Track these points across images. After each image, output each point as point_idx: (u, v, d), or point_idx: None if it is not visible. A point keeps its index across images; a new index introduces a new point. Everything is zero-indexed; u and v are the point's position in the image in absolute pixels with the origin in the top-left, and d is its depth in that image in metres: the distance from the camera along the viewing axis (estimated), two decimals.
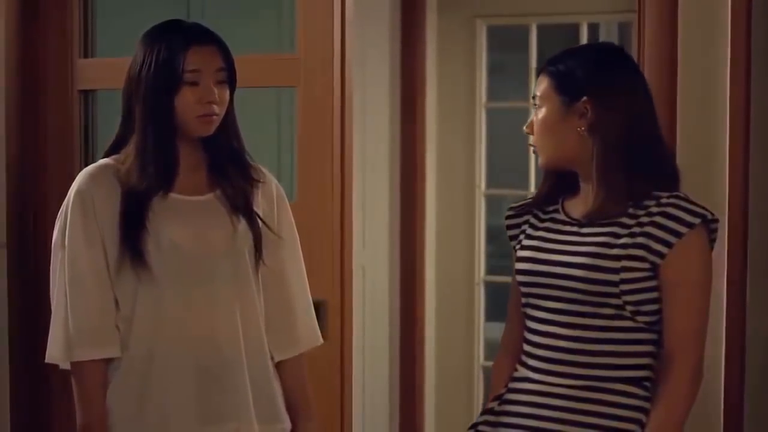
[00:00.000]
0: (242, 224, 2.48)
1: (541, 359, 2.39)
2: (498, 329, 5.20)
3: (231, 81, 2.50)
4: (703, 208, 2.35)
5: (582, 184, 2.44)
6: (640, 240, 2.31)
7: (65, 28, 3.34)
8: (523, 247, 2.47)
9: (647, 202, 2.34)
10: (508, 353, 2.54)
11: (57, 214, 3.34)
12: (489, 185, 5.27)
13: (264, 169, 2.61)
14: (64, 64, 3.34)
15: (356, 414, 3.58)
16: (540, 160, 2.46)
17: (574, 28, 5.24)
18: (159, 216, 2.42)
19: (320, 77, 3.06)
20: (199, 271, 2.44)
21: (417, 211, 4.89)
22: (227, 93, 2.49)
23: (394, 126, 4.82)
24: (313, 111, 3.07)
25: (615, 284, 2.30)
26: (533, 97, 2.46)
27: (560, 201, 2.48)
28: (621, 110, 2.37)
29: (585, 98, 2.37)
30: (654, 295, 2.33)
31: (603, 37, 5.50)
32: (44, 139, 3.36)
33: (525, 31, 5.23)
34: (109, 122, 3.65)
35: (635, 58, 2.75)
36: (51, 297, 2.48)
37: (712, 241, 2.37)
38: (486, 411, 2.49)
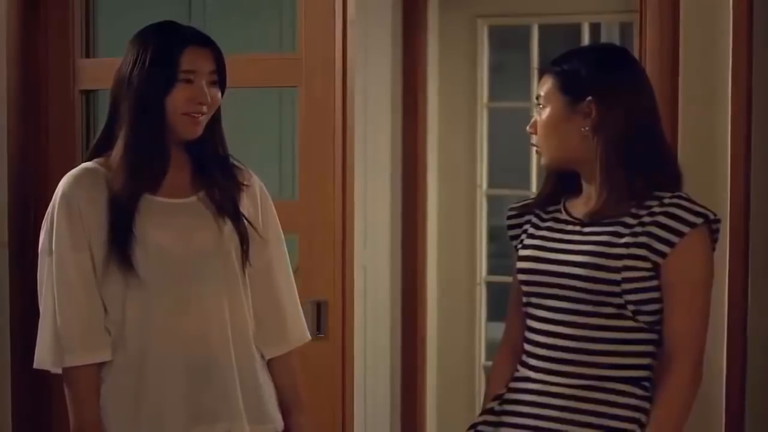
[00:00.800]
0: (228, 226, 2.48)
1: (542, 358, 2.39)
2: (499, 329, 5.21)
3: (222, 84, 2.50)
4: (705, 208, 2.35)
5: (584, 184, 2.44)
6: (642, 239, 2.31)
7: (66, 28, 3.34)
8: (525, 247, 2.47)
9: (650, 202, 2.34)
10: (508, 353, 2.54)
11: None
12: (490, 185, 5.27)
13: (247, 170, 2.61)
14: (65, 63, 3.34)
15: (357, 413, 3.58)
16: (543, 160, 2.46)
17: (576, 28, 5.24)
18: (145, 219, 2.42)
19: (321, 77, 3.06)
20: (186, 274, 2.44)
21: (418, 211, 4.89)
22: (218, 94, 2.48)
23: (395, 126, 4.82)
24: (315, 111, 3.07)
25: (617, 283, 2.30)
26: (537, 98, 2.46)
27: (562, 201, 2.49)
28: (625, 110, 2.37)
29: (589, 98, 2.37)
30: (655, 294, 2.33)
31: (604, 37, 5.50)
32: (45, 138, 3.36)
33: (526, 31, 5.23)
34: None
35: (637, 58, 2.75)
36: (39, 302, 2.48)
37: (714, 241, 2.37)
38: (486, 411, 2.49)
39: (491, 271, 5.29)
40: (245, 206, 2.54)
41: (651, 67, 2.83)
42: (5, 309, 3.33)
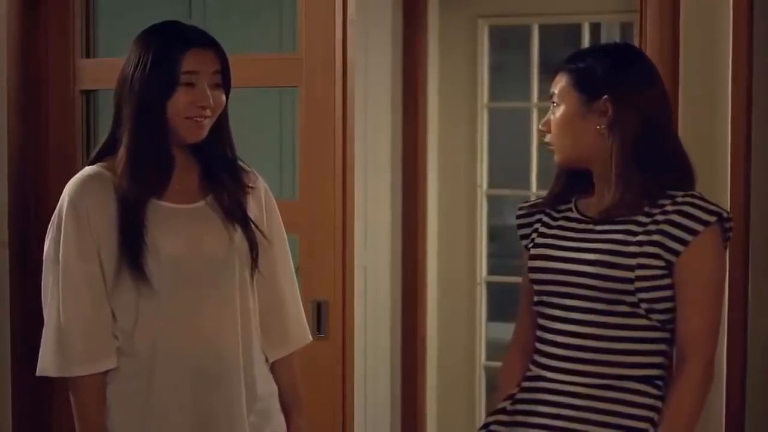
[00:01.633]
0: (238, 233, 2.46)
1: (555, 357, 2.39)
2: (499, 329, 5.23)
3: (226, 85, 2.46)
4: (719, 206, 2.36)
5: (596, 183, 2.44)
6: (655, 238, 2.31)
7: (66, 28, 3.34)
8: (537, 246, 2.47)
9: (662, 201, 2.34)
10: (519, 352, 2.54)
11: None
12: (490, 185, 5.27)
13: (253, 171, 2.59)
14: (65, 63, 3.34)
15: (357, 413, 3.58)
16: (557, 158, 2.46)
17: (576, 29, 5.23)
18: (153, 226, 2.38)
19: (322, 77, 3.06)
20: (196, 280, 2.41)
21: (418, 211, 4.89)
22: (223, 97, 2.45)
23: (395, 126, 4.82)
24: (315, 111, 3.07)
25: (630, 281, 2.30)
26: (551, 96, 2.45)
27: (573, 200, 2.49)
28: (640, 109, 2.37)
29: (606, 96, 2.37)
30: (668, 293, 2.33)
31: (604, 37, 5.50)
32: (45, 138, 3.36)
33: (526, 31, 5.23)
34: (109, 122, 3.65)
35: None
36: (43, 310, 2.45)
37: (727, 239, 2.37)
38: (498, 411, 2.48)
39: (491, 271, 5.28)
40: (252, 210, 2.52)
41: None
42: (5, 309, 3.33)
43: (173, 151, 2.42)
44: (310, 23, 3.08)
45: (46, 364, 2.43)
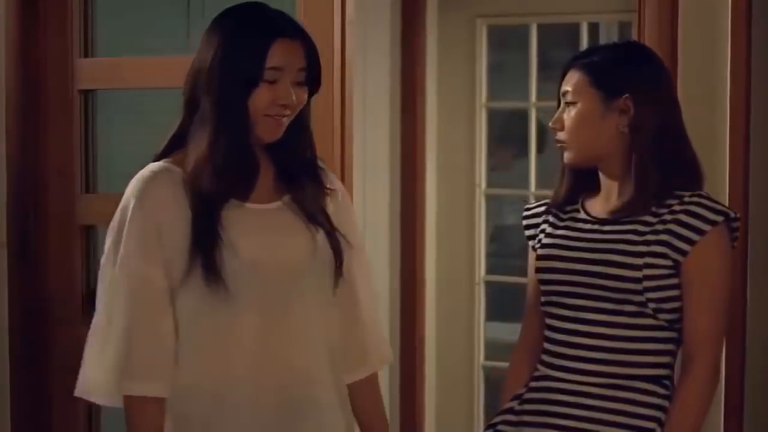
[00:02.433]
0: (320, 235, 2.24)
1: (564, 357, 2.39)
2: (498, 329, 5.22)
3: (313, 82, 2.24)
4: (726, 206, 2.37)
5: (605, 182, 2.43)
6: (663, 237, 2.32)
7: (65, 28, 3.34)
8: (544, 246, 2.47)
9: (670, 201, 2.35)
10: (526, 352, 2.54)
11: (57, 214, 3.35)
12: (489, 185, 5.27)
13: (330, 171, 2.38)
14: (64, 63, 3.34)
15: None
16: (568, 156, 2.44)
17: (575, 28, 5.23)
18: (233, 227, 2.14)
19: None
20: (277, 288, 2.16)
21: (417, 211, 4.88)
22: (305, 95, 2.22)
23: (394, 125, 4.82)
24: (313, 110, 3.06)
25: (638, 281, 2.31)
26: (563, 93, 2.43)
27: (580, 200, 2.49)
28: (660, 108, 2.38)
29: (627, 95, 2.37)
30: (675, 293, 2.33)
31: (603, 37, 5.50)
32: (44, 138, 3.36)
33: (524, 30, 5.23)
34: (109, 122, 3.65)
35: None
36: (95, 319, 2.21)
37: (734, 239, 2.38)
38: (506, 410, 2.48)
39: (490, 270, 5.28)
40: (332, 213, 2.30)
41: None
42: (4, 309, 3.34)
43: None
44: (309, 23, 3.07)
45: (94, 383, 2.17)
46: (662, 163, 2.36)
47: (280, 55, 2.15)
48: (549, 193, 2.57)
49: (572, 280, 2.38)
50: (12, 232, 3.33)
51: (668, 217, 2.33)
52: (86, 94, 3.40)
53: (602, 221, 2.41)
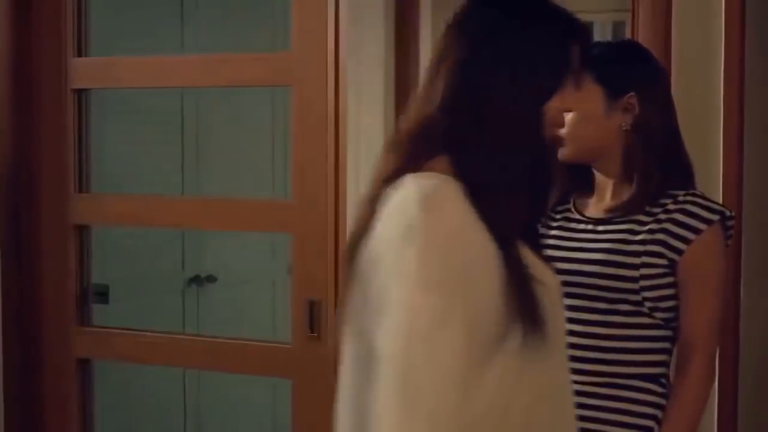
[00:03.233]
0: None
1: None
2: None
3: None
4: (720, 204, 2.37)
5: (601, 181, 2.43)
6: (658, 236, 2.32)
7: (59, 27, 3.33)
8: None
9: (664, 200, 2.35)
10: None
11: (50, 213, 3.34)
12: None
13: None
14: (58, 62, 3.34)
15: None
16: (566, 152, 2.39)
17: None
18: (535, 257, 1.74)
19: (314, 76, 3.06)
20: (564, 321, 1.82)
21: None
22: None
23: (388, 125, 4.82)
24: (308, 110, 3.07)
25: (635, 280, 2.31)
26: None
27: (571, 200, 2.48)
28: (661, 107, 2.38)
29: (632, 93, 2.37)
30: (671, 291, 2.33)
31: (598, 36, 5.50)
32: (38, 137, 3.36)
33: None
34: (102, 121, 3.65)
35: None
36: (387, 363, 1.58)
37: (728, 237, 2.38)
38: None
39: None
40: None
41: None
42: None
43: None
44: (303, 22, 3.07)
45: None
46: (662, 162, 2.37)
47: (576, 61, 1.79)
48: None
49: (567, 280, 2.37)
50: (5, 231, 3.32)
51: (663, 216, 2.33)
52: (80, 93, 3.39)
53: (596, 221, 2.40)
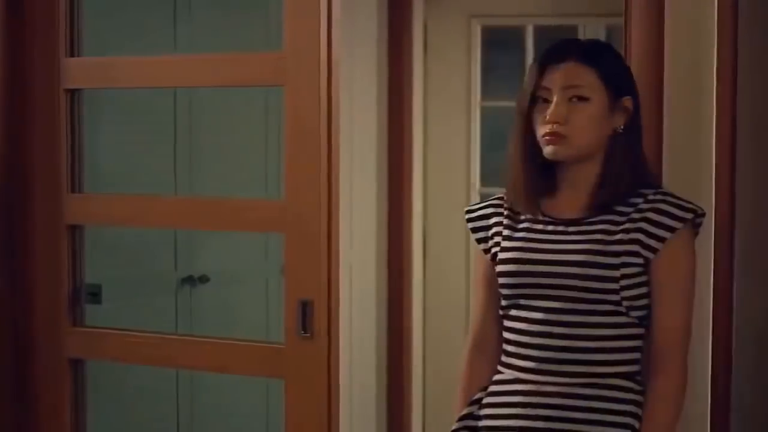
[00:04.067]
0: None
1: (534, 359, 2.37)
2: None
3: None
4: (691, 202, 2.39)
5: (576, 181, 2.43)
6: (634, 236, 2.34)
7: (51, 27, 3.33)
8: (506, 250, 2.45)
9: (634, 199, 2.37)
10: (483, 356, 2.53)
11: (43, 213, 3.34)
12: (483, 183, 5.28)
13: None
14: (50, 63, 3.34)
15: (343, 413, 3.57)
16: (565, 151, 2.38)
17: (566, 31, 5.25)
18: None
19: (307, 76, 3.05)
20: None
21: (404, 210, 4.88)
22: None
23: (381, 125, 4.82)
24: (301, 110, 3.07)
25: (616, 280, 2.32)
26: (568, 87, 2.38)
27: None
28: (640, 108, 2.44)
29: (628, 96, 2.40)
30: (645, 290, 2.36)
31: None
32: (30, 138, 3.35)
33: (516, 30, 5.25)
34: (95, 121, 3.65)
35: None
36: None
37: (696, 234, 2.41)
38: (466, 416, 2.47)
39: None
40: None
41: (637, 69, 2.83)
42: None
43: None
44: (296, 22, 3.07)
45: None
46: (635, 161, 2.40)
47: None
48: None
49: (543, 282, 2.37)
50: None
51: (636, 215, 2.36)
52: (72, 93, 3.39)
53: (567, 222, 2.40)
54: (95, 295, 3.51)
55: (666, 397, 2.34)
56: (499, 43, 5.50)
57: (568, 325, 2.35)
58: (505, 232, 2.47)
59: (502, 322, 2.47)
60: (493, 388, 2.44)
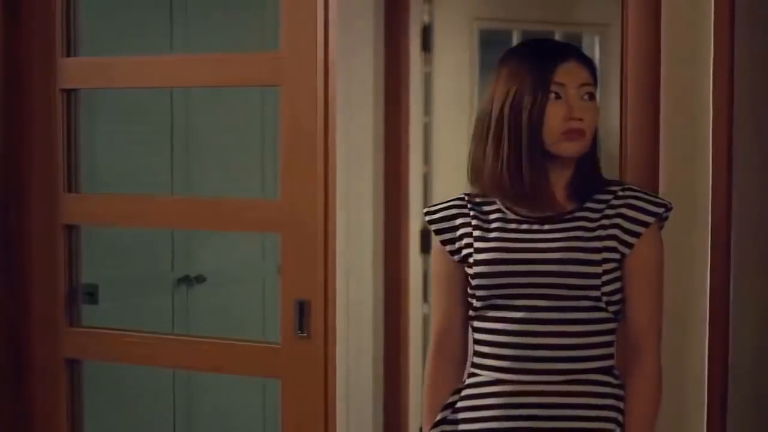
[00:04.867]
0: None
1: (514, 359, 2.36)
2: None
3: None
4: (659, 197, 2.44)
5: (552, 179, 2.43)
6: (611, 232, 2.36)
7: (48, 27, 3.33)
8: (479, 250, 2.41)
9: (603, 196, 2.40)
10: (449, 360, 2.51)
11: (40, 213, 3.34)
12: None
13: None
14: (47, 62, 3.33)
15: (340, 412, 3.58)
16: (582, 148, 2.39)
17: (561, 36, 5.26)
18: None
19: (304, 76, 3.06)
20: None
21: (401, 210, 4.87)
22: None
23: (378, 124, 4.82)
24: (297, 110, 3.07)
25: (598, 276, 2.33)
26: (582, 85, 2.38)
27: (496, 200, 2.46)
28: None
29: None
30: (620, 284, 2.39)
31: (586, 46, 5.53)
32: (27, 138, 3.35)
33: (507, 33, 5.26)
34: (91, 121, 3.65)
35: (619, 66, 2.82)
36: None
37: (662, 227, 2.44)
38: (440, 422, 2.46)
39: None
40: None
41: (633, 73, 2.83)
42: None
43: None
44: (293, 22, 3.07)
45: None
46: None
47: None
48: None
49: (525, 281, 2.36)
50: None
51: (610, 211, 2.38)
52: (69, 93, 3.39)
53: (541, 220, 2.40)
54: (92, 295, 3.51)
55: (646, 388, 2.37)
56: (486, 44, 5.52)
57: (548, 323, 2.35)
58: (476, 233, 2.44)
59: (467, 325, 2.46)
60: (469, 391, 2.42)
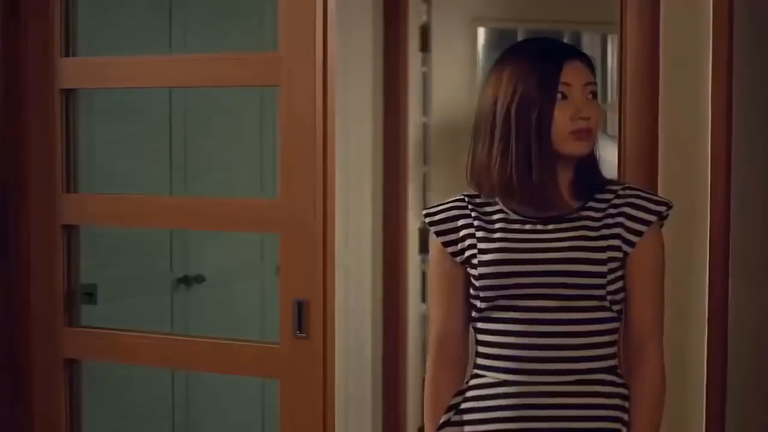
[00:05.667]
0: None
1: (521, 360, 2.36)
2: None
3: None
4: (660, 196, 2.45)
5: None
6: (615, 230, 2.37)
7: (46, 27, 3.33)
8: (484, 251, 2.40)
9: (604, 195, 2.39)
10: (451, 362, 2.50)
11: (38, 213, 3.34)
12: None
13: None
14: (46, 62, 3.33)
15: (339, 413, 3.58)
16: (590, 147, 2.40)
17: (559, 36, 5.26)
18: None
19: (303, 76, 3.05)
20: None
21: (400, 210, 4.88)
22: None
23: (377, 124, 4.82)
24: (296, 110, 3.07)
25: (603, 275, 2.34)
26: (588, 83, 2.39)
27: (497, 201, 2.46)
28: None
29: None
30: (623, 283, 2.39)
31: (586, 45, 5.53)
32: (26, 138, 3.35)
33: (511, 33, 5.26)
34: (90, 121, 3.64)
35: (618, 66, 2.82)
36: None
37: (661, 225, 2.44)
38: (445, 424, 2.46)
39: None
40: None
41: (632, 74, 2.83)
42: None
43: None
44: (291, 22, 3.07)
45: None
46: None
47: None
48: None
49: (530, 282, 2.35)
50: None
51: (613, 210, 2.38)
52: (67, 93, 3.38)
53: (544, 220, 2.40)
54: (90, 295, 3.51)
55: (653, 386, 2.37)
56: (485, 44, 5.52)
57: (554, 323, 2.35)
58: (479, 234, 2.43)
59: (468, 327, 2.46)
60: (474, 392, 2.42)
